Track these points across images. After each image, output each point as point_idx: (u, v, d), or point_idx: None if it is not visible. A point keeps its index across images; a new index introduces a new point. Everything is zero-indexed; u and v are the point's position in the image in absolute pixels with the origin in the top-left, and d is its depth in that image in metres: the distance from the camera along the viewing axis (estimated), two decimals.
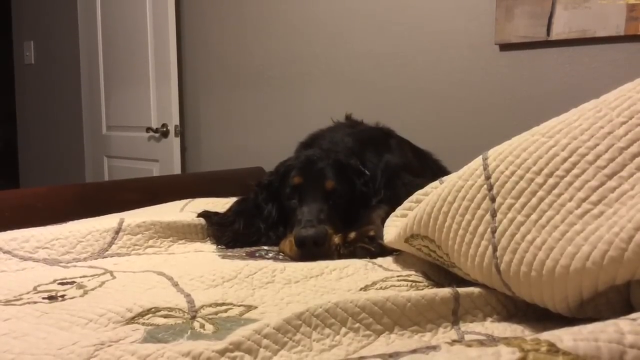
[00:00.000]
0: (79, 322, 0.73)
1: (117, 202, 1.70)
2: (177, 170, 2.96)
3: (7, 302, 0.83)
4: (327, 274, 0.94)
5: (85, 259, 1.11)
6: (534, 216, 0.71)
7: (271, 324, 0.64)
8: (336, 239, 1.16)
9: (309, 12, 2.64)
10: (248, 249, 1.25)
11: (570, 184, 0.69)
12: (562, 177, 0.70)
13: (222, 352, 0.59)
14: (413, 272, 0.94)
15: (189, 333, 0.70)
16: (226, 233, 1.32)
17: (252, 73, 2.89)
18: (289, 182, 1.34)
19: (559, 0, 2.01)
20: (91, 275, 0.98)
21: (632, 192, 0.64)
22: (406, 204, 1.05)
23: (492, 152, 0.82)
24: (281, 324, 0.64)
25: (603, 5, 1.94)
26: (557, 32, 2.03)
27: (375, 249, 1.11)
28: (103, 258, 1.12)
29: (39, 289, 0.90)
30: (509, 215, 0.74)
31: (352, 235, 1.15)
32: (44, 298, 0.85)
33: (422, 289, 0.86)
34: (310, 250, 1.17)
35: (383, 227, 1.11)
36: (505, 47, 2.17)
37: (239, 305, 0.79)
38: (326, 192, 1.31)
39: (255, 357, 0.60)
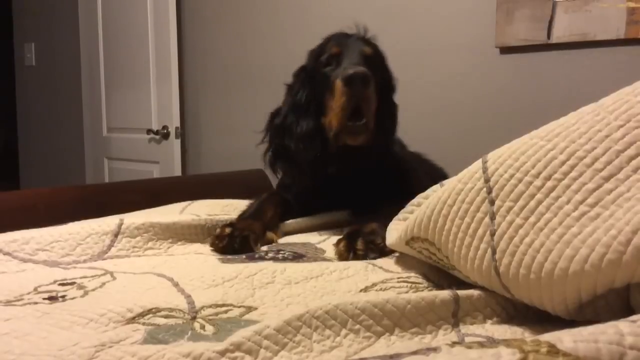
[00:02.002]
0: (79, 322, 0.73)
1: (117, 204, 1.70)
2: (177, 172, 2.97)
3: (8, 303, 0.83)
4: (327, 274, 0.94)
5: (84, 261, 1.11)
6: (532, 219, 0.71)
7: (271, 325, 0.64)
8: (341, 246, 1.14)
9: (310, 15, 2.65)
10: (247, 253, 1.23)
11: (568, 186, 0.70)
12: (560, 180, 0.71)
13: (223, 353, 0.59)
14: (413, 274, 0.94)
15: (189, 334, 0.70)
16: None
17: (252, 75, 2.90)
18: (326, 54, 1.37)
19: (560, 4, 2.02)
20: (91, 276, 0.98)
21: (628, 194, 0.65)
22: (408, 207, 1.06)
23: (492, 155, 0.82)
24: (281, 325, 0.64)
25: (603, 8, 1.94)
26: (558, 36, 2.04)
27: (379, 256, 1.10)
28: (103, 260, 1.12)
29: (39, 289, 0.90)
30: (508, 218, 0.74)
31: (360, 245, 1.11)
32: (44, 298, 0.85)
33: (422, 291, 0.87)
34: (358, 89, 1.21)
35: (387, 226, 1.10)
36: (505, 50, 2.18)
37: (239, 307, 0.79)
38: (364, 57, 1.33)
39: (256, 358, 0.60)
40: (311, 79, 1.42)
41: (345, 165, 1.38)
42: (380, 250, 1.10)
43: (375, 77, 1.31)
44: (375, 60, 1.39)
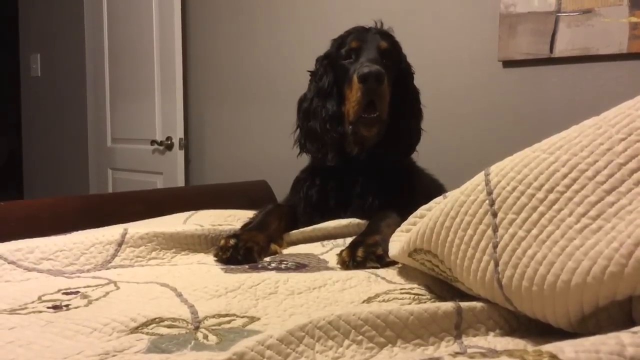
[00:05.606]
0: (83, 331, 0.74)
1: (121, 214, 1.70)
2: (180, 183, 2.98)
3: (12, 311, 0.84)
4: (330, 285, 0.94)
5: (88, 270, 1.11)
6: (534, 231, 0.71)
7: (274, 335, 0.64)
8: (344, 254, 1.16)
9: (312, 27, 2.67)
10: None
11: (570, 199, 0.70)
12: (562, 193, 0.71)
13: None
14: (416, 285, 0.94)
15: (192, 344, 0.70)
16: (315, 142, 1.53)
17: (256, 87, 2.91)
18: (346, 46, 1.50)
19: (562, 18, 2.03)
20: (95, 286, 0.98)
21: (630, 207, 0.65)
22: (411, 219, 1.06)
23: (494, 168, 0.83)
24: (284, 335, 0.65)
25: (606, 23, 1.96)
26: (560, 50, 2.05)
27: (381, 266, 1.11)
28: (106, 269, 1.12)
29: (43, 298, 0.90)
30: (510, 230, 0.74)
31: (360, 253, 1.13)
32: (48, 307, 0.86)
33: (425, 303, 0.87)
34: (372, 86, 1.34)
35: (391, 237, 1.11)
36: (508, 64, 2.19)
37: (242, 317, 0.80)
38: (381, 51, 1.47)
39: None
40: (333, 66, 1.56)
41: (363, 145, 1.53)
42: (379, 260, 1.11)
43: (391, 70, 1.47)
44: (391, 53, 1.52)
